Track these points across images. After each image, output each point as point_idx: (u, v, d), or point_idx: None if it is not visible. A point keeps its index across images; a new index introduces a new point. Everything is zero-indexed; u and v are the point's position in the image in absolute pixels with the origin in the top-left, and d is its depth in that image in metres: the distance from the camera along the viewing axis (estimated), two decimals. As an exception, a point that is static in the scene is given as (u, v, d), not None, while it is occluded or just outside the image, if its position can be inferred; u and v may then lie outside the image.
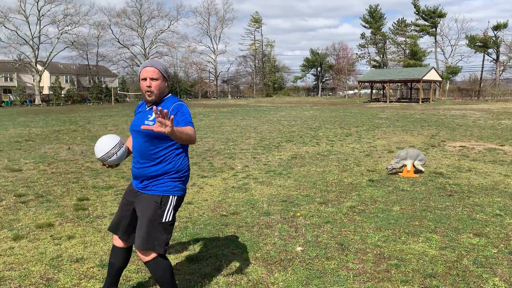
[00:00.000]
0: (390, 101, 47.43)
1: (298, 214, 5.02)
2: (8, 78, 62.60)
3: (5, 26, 49.43)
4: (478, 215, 4.91)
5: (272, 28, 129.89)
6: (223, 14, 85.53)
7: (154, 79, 2.67)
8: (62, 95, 52.13)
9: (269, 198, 5.77)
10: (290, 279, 3.32)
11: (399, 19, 77.49)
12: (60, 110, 34.25)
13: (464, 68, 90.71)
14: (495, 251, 3.85)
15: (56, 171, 7.64)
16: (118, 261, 2.93)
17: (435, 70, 50.07)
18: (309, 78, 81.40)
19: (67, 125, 17.92)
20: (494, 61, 61.88)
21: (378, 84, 54.07)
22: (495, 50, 60.77)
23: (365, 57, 73.97)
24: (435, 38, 65.98)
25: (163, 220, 2.66)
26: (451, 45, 68.32)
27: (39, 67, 53.02)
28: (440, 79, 50.48)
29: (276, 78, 77.33)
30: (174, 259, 3.72)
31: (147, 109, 2.78)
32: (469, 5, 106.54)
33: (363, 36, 72.65)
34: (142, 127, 2.37)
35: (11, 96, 50.59)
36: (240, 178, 7.07)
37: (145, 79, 2.67)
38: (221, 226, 4.57)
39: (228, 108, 32.72)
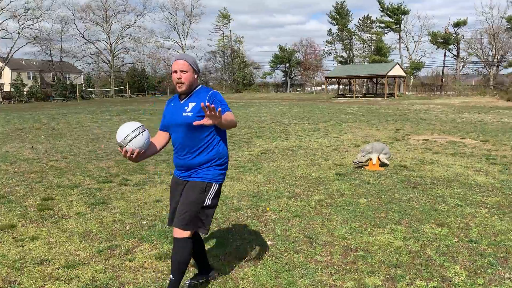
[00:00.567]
0: (356, 97, 48.33)
1: (268, 209, 5.06)
2: (-35, 75, 59.87)
3: (-40, 20, 47.18)
4: (440, 206, 5.09)
5: (240, 24, 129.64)
6: (191, 9, 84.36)
7: (184, 71, 2.81)
8: (25, 92, 50.23)
9: (239, 194, 5.78)
10: (259, 273, 3.36)
11: (364, 15, 79.02)
12: (22, 107, 33.04)
13: (427, 64, 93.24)
14: (456, 240, 4.01)
15: (19, 171, 7.39)
16: (193, 247, 2.99)
17: (400, 65, 51.32)
18: (278, 74, 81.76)
19: (30, 123, 17.32)
20: (455, 57, 64.05)
21: (345, 80, 54.94)
22: (455, 47, 62.88)
23: (332, 53, 74.94)
24: (399, 35, 67.62)
25: (204, 205, 2.85)
26: (414, 42, 70.29)
27: (-1, 63, 50.96)
28: (404, 74, 51.79)
29: (245, 74, 77.17)
30: (142, 258, 3.68)
31: (181, 102, 2.91)
32: (431, 3, 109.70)
33: (329, 32, 73.55)
34: (195, 123, 2.54)
35: (-32, 94, 48.39)
36: (209, 174, 7.04)
37: (175, 71, 2.83)
38: (190, 223, 4.55)
39: (196, 105, 32.42)
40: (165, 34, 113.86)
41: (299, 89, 78.04)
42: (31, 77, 59.23)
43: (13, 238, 4.14)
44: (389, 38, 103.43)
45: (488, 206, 5.06)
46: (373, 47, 69.11)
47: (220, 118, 2.47)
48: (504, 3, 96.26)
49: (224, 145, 2.96)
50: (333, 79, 55.39)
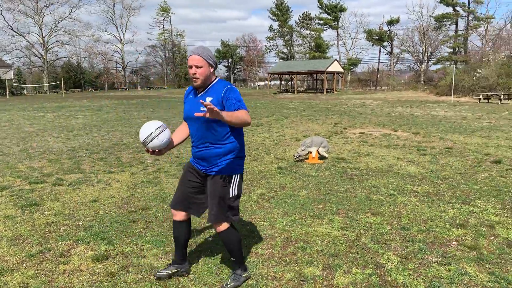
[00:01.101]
0: (298, 92, 49.33)
1: (209, 205, 5.03)
2: None
3: None
4: (375, 196, 5.33)
5: (181, 18, 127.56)
6: (130, 2, 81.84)
7: (199, 67, 2.86)
8: None
9: (180, 190, 5.70)
10: (201, 270, 3.34)
11: (304, 12, 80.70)
12: None
13: (363, 60, 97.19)
14: (389, 228, 4.22)
15: None
16: (182, 234, 3.20)
17: (338, 62, 53.01)
18: (220, 69, 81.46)
19: (-50, 121, 15.96)
20: (389, 54, 67.24)
21: (286, 75, 55.88)
22: (389, 44, 66.04)
23: (274, 49, 75.92)
24: (337, 32, 69.84)
25: (230, 196, 2.99)
26: (352, 38, 73.15)
27: None
28: (342, 70, 53.58)
29: (187, 68, 76.15)
30: (78, 260, 3.53)
31: (198, 95, 2.97)
32: (367, 1, 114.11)
33: (271, 28, 74.44)
34: (196, 114, 2.59)
35: None
36: (150, 172, 6.89)
37: (190, 66, 2.88)
38: (129, 223, 4.43)
39: (137, 100, 31.58)
40: (102, 27, 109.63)
41: (242, 85, 78.29)
42: (-49, 72, 54.57)
43: None
44: (328, 35, 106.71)
45: (418, 195, 5.37)
46: (312, 44, 70.81)
47: (219, 115, 2.49)
48: (432, 3, 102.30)
49: (241, 137, 3.07)
50: (275, 75, 56.13)
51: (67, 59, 68.19)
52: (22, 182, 6.16)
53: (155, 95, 42.81)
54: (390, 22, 63.81)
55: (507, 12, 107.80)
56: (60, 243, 3.90)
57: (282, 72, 52.81)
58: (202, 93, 2.96)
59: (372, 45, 67.22)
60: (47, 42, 63.35)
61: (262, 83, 72.91)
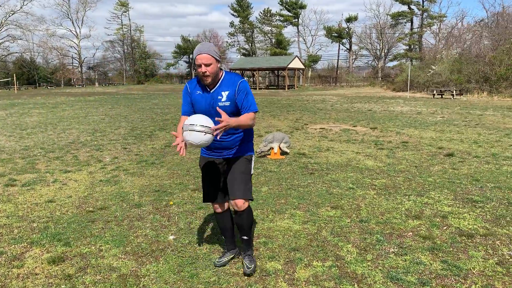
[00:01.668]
0: (259, 88, 49.51)
1: (171, 202, 4.98)
2: None
3: None
4: (334, 190, 5.45)
5: (140, 12, 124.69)
6: (85, -5, 79.05)
7: (208, 64, 2.92)
8: None
9: (140, 189, 5.60)
10: (162, 269, 3.29)
11: (265, 9, 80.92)
12: None
13: (323, 57, 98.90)
14: (349, 221, 4.32)
15: None
16: (228, 223, 3.37)
17: (298, 58, 53.57)
18: (181, 65, 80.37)
19: None
20: (348, 51, 68.65)
21: (248, 71, 55.91)
22: (348, 41, 67.38)
23: (235, 45, 75.69)
24: (298, 28, 70.53)
25: (251, 173, 3.24)
26: (312, 35, 74.29)
27: None
28: (303, 67, 54.20)
29: (147, 64, 74.62)
30: (32, 263, 3.40)
31: (211, 91, 3.04)
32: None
33: (232, 24, 74.12)
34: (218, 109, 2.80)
35: None
36: (109, 170, 6.72)
37: (200, 65, 2.93)
38: (87, 223, 4.30)
39: (95, 97, 30.66)
40: (57, 21, 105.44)
41: (203, 81, 77.52)
42: None
43: None
44: (289, 31, 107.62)
45: (376, 188, 5.54)
46: (273, 40, 71.15)
47: (230, 126, 2.78)
48: (389, 1, 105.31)
49: None
50: (237, 71, 56.02)
51: (20, 54, 65.25)
52: (-30, 184, 5.85)
53: (114, 92, 41.72)
54: (349, 20, 65.12)
55: (458, 11, 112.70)
56: (13, 246, 3.74)
57: (243, 68, 52.79)
58: (214, 88, 3.04)
59: (332, 42, 68.38)
60: (-3, 36, 60.34)
61: (223, 79, 72.38)
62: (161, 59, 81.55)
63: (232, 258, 3.43)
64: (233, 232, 3.45)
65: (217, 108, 2.87)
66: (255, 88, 48.71)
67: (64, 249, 3.66)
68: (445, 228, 4.09)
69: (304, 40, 73.68)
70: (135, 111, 18.04)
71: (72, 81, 69.23)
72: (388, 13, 63.75)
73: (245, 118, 2.96)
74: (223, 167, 3.24)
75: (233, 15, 73.54)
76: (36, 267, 3.33)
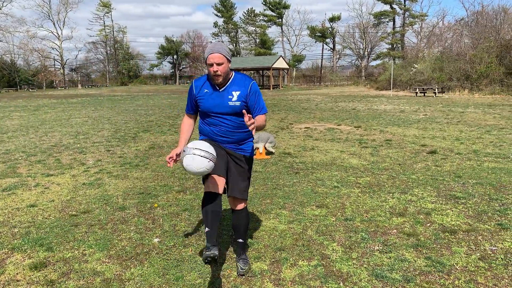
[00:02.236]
0: (244, 88, 49.43)
1: (156, 205, 4.93)
2: None
3: None
4: (320, 189, 5.47)
5: (123, 13, 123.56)
6: (66, -4, 77.96)
7: (220, 64, 2.94)
8: None
9: (124, 192, 5.54)
10: (146, 272, 3.26)
11: (248, 9, 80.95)
12: None
13: (307, 57, 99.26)
14: (334, 220, 4.34)
15: None
16: (218, 207, 2.97)
17: (283, 58, 53.75)
18: (165, 66, 79.86)
19: None
20: (331, 50, 69.10)
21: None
22: (331, 40, 67.83)
23: (219, 45, 75.40)
24: (282, 28, 70.75)
25: (251, 174, 3.32)
26: (296, 35, 74.46)
27: None
28: (287, 66, 54.39)
29: (131, 66, 73.93)
30: (13, 269, 3.32)
31: (221, 90, 3.05)
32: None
33: (216, 25, 73.96)
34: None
35: None
36: (92, 173, 6.63)
37: (211, 64, 2.93)
38: (70, 227, 4.24)
39: (78, 99, 30.26)
40: (37, 23, 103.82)
41: (188, 81, 77.24)
42: None
43: None
44: (273, 31, 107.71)
45: (360, 186, 5.57)
46: (258, 40, 71.22)
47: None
48: (371, 1, 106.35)
49: None
50: (221, 71, 55.78)
51: (0, 56, 64.01)
52: (-51, 189, 5.71)
53: (97, 93, 41.24)
54: (332, 19, 65.57)
55: (439, 10, 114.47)
56: (-7, 252, 3.66)
57: (235, 70, 52.71)
58: (225, 87, 3.06)
59: (315, 42, 68.79)
60: (-24, 38, 59.14)
61: (208, 80, 72.12)
62: (145, 60, 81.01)
63: (217, 253, 3.19)
64: (216, 223, 3.11)
65: (243, 111, 2.77)
66: (240, 88, 48.61)
67: (46, 254, 3.60)
68: (428, 224, 4.14)
69: (288, 40, 74.00)
70: (118, 112, 17.86)
71: (54, 83, 68.24)
72: (371, 12, 64.43)
73: (260, 120, 3.04)
74: (227, 154, 3.17)
75: (216, 15, 73.42)
76: (17, 274, 3.26)
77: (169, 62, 77.71)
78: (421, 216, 4.38)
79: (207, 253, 2.77)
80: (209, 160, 2.73)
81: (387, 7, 61.06)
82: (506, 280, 3.03)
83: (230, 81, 3.08)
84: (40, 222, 4.40)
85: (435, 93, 27.20)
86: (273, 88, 47.12)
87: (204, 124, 3.19)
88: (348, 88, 45.84)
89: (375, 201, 4.93)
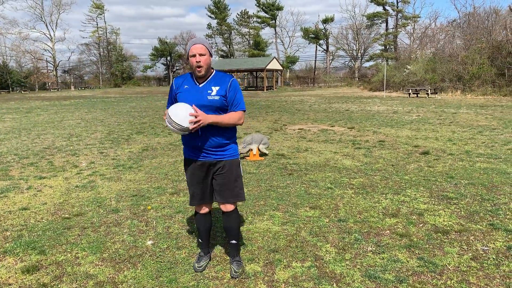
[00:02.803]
0: (238, 89, 49.38)
1: (149, 207, 4.92)
2: None
3: None
4: (313, 190, 5.48)
5: (116, 15, 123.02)
6: (59, -3, 77.51)
7: (203, 55, 2.98)
8: None
9: (117, 194, 5.52)
10: (140, 275, 3.25)
11: (242, 10, 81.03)
12: None
13: (301, 58, 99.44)
14: (327, 221, 4.36)
15: None
16: (208, 224, 3.39)
17: (276, 59, 53.77)
18: (159, 67, 79.63)
19: None
20: (325, 51, 69.30)
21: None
22: (325, 42, 68.01)
23: (213, 47, 75.46)
24: (275, 30, 70.82)
25: (241, 175, 3.26)
26: (289, 37, 74.68)
27: None
28: (281, 68, 54.42)
29: (124, 67, 73.63)
30: (6, 273, 3.30)
31: (200, 85, 3.07)
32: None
33: (209, 26, 73.91)
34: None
35: None
36: (85, 176, 6.60)
37: (194, 55, 2.97)
38: (63, 230, 4.21)
39: (71, 101, 30.09)
40: (30, 24, 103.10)
41: (181, 83, 76.99)
42: None
43: None
44: (266, 33, 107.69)
45: (354, 187, 5.60)
46: (251, 42, 71.24)
47: (208, 121, 2.92)
48: (364, 2, 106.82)
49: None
50: (215, 73, 55.70)
51: (-9, 58, 63.49)
52: None
53: (90, 95, 41.05)
54: (325, 21, 65.73)
55: (431, 12, 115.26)
56: (-15, 256, 3.63)
57: (222, 70, 52.64)
58: (204, 82, 3.07)
59: (309, 43, 68.96)
60: (-33, 39, 58.57)
61: (202, 81, 71.95)
62: (138, 61, 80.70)
63: (208, 262, 3.43)
64: (209, 235, 3.48)
65: (193, 106, 2.91)
66: (234, 90, 48.56)
67: (39, 257, 3.58)
68: (421, 225, 4.17)
69: (282, 41, 74.10)
70: (111, 114, 17.78)
71: (47, 85, 67.80)
72: (364, 14, 64.67)
73: (229, 116, 3.03)
74: (210, 169, 3.17)
75: (210, 17, 73.37)
76: (9, 277, 3.24)
77: (162, 63, 77.55)
78: (414, 216, 4.41)
79: (197, 266, 3.30)
80: (182, 131, 2.94)
81: (380, 9, 61.35)
82: (498, 280, 3.06)
83: (210, 77, 3.10)
84: (32, 225, 4.37)
85: (428, 94, 27.37)
86: (266, 90, 47.16)
87: None
88: (342, 89, 46.00)
89: (368, 202, 4.95)
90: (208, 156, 3.14)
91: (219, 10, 71.97)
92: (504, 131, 10.57)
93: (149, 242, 3.88)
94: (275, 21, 70.04)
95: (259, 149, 7.62)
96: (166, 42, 74.38)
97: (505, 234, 3.88)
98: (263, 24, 70.65)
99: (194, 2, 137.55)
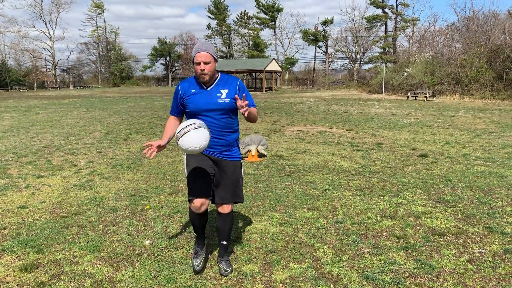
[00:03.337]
0: (237, 90, 49.41)
1: (147, 207, 4.93)
2: None
3: None
4: (311, 191, 5.50)
5: (115, 14, 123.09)
6: (58, -4, 77.44)
7: (207, 63, 3.01)
8: None
9: (116, 193, 5.53)
10: (138, 274, 3.26)
11: (242, 11, 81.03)
12: None
13: (300, 60, 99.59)
14: (325, 222, 4.37)
15: None
16: (204, 220, 3.32)
17: (276, 61, 53.84)
18: (158, 67, 79.60)
19: None
20: (324, 53, 69.39)
21: (225, 74, 55.79)
22: (324, 44, 68.12)
23: (213, 48, 75.39)
24: (275, 31, 70.95)
25: (243, 177, 3.34)
26: (288, 38, 74.76)
27: None
28: (280, 69, 54.50)
29: (123, 67, 73.61)
30: (3, 271, 3.31)
31: (208, 89, 3.11)
32: (302, 1, 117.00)
33: (209, 27, 73.96)
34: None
35: None
36: (83, 175, 6.60)
37: (199, 63, 3.00)
38: (61, 229, 4.22)
39: (69, 100, 30.07)
40: (29, 23, 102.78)
41: (180, 83, 76.96)
42: None
43: None
44: (266, 34, 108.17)
45: (352, 189, 5.61)
46: (251, 43, 71.31)
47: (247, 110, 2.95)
48: (364, 5, 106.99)
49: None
50: (214, 73, 55.71)
51: (-10, 56, 63.42)
52: None
53: (89, 94, 41.02)
54: (325, 23, 65.85)
55: (430, 15, 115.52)
56: (-17, 254, 3.63)
57: (221, 71, 52.45)
58: (212, 85, 3.12)
59: (308, 45, 69.00)
60: (-35, 37, 58.53)
61: (201, 82, 71.91)
62: (137, 61, 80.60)
63: (206, 256, 3.42)
64: (204, 228, 3.41)
65: (236, 95, 3.02)
66: (233, 91, 48.58)
67: (37, 256, 3.58)
68: (418, 227, 4.18)
69: (281, 42, 74.40)
70: (110, 114, 17.78)
71: (46, 84, 67.72)
72: (363, 16, 64.81)
73: (254, 110, 3.15)
74: (214, 165, 3.19)
75: (210, 17, 73.46)
76: (7, 275, 3.25)
77: (161, 63, 77.54)
78: (411, 219, 4.43)
79: (196, 266, 3.25)
80: (198, 128, 2.82)
81: (379, 11, 61.48)
82: (494, 283, 3.08)
83: (217, 80, 3.14)
84: (30, 224, 4.37)
85: (426, 97, 27.43)
86: (265, 91, 47.19)
87: None
88: (340, 91, 46.07)
89: (366, 204, 4.97)
90: (214, 154, 3.18)
91: (218, 11, 72.03)
92: (502, 135, 10.61)
93: (147, 242, 3.89)
94: (275, 23, 70.17)
95: (257, 150, 7.64)
96: (166, 42, 74.38)
97: (502, 237, 3.91)
98: (262, 26, 70.76)
99: (193, 2, 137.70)
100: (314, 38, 66.07)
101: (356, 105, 22.60)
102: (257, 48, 68.55)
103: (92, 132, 11.90)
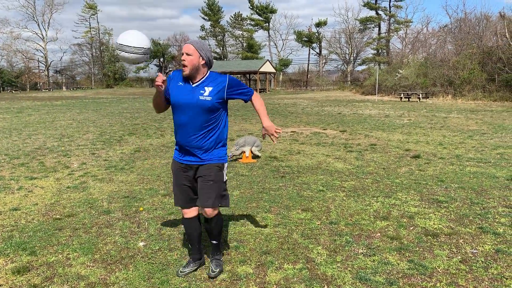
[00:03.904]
0: (231, 92, 49.41)
1: (141, 208, 4.91)
2: None
3: None
4: (305, 192, 5.51)
5: (108, 15, 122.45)
6: (51, -3, 77.03)
7: (189, 55, 2.95)
8: None
9: (109, 195, 5.50)
10: (131, 276, 3.25)
11: (236, 13, 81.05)
12: None
13: (294, 61, 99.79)
14: (319, 223, 4.38)
15: None
16: (195, 230, 3.30)
17: (270, 62, 53.93)
18: (152, 68, 79.35)
19: None
20: (318, 55, 69.59)
21: (219, 75, 55.74)
22: (318, 45, 68.34)
23: (206, 49, 75.30)
24: (269, 33, 71.03)
25: (225, 180, 3.19)
26: (282, 40, 74.76)
27: None
28: (274, 71, 54.59)
29: (116, 68, 73.33)
30: (-4, 274, 3.28)
31: (193, 85, 3.04)
32: (296, 3, 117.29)
33: (203, 28, 73.91)
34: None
35: None
36: (76, 176, 6.57)
37: (182, 54, 2.99)
38: (54, 231, 4.19)
39: (62, 101, 29.89)
40: (22, 24, 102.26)
41: (174, 85, 76.80)
42: None
43: None
44: (260, 35, 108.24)
45: (345, 190, 5.63)
46: (245, 44, 71.34)
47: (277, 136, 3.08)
48: (357, 6, 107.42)
49: (227, 127, 3.23)
50: (208, 75, 55.65)
51: (-19, 57, 62.97)
52: None
53: (82, 96, 40.81)
54: (318, 24, 66.06)
55: (423, 17, 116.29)
56: (-26, 257, 3.60)
57: (214, 72, 52.65)
58: (198, 83, 3.05)
59: (302, 47, 69.33)
60: (-43, 38, 57.96)
61: (195, 83, 71.81)
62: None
63: (195, 269, 3.33)
64: (200, 241, 3.37)
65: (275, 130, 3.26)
66: (227, 92, 48.57)
67: (29, 258, 3.56)
68: (411, 228, 4.21)
69: (275, 44, 74.32)
70: (104, 115, 17.70)
71: (39, 85, 67.28)
72: (357, 18, 65.13)
73: (261, 106, 3.23)
74: (195, 172, 3.15)
75: (204, 18, 73.38)
76: (0, 278, 3.22)
77: (155, 65, 77.30)
78: (405, 219, 4.45)
79: (180, 271, 3.25)
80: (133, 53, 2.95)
81: (372, 13, 61.78)
82: (486, 283, 3.10)
83: (204, 78, 3.07)
84: (23, 226, 4.34)
85: (419, 98, 27.60)
86: (259, 92, 47.25)
87: (176, 125, 3.17)
88: (334, 92, 46.20)
89: (360, 205, 4.99)
90: (193, 160, 3.12)
91: (212, 12, 71.99)
92: (494, 136, 10.70)
93: (141, 244, 3.87)
94: (269, 24, 70.27)
95: (251, 152, 7.64)
96: (159, 43, 74.21)
97: (494, 237, 3.94)
98: (256, 27, 70.82)
99: (187, 3, 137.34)
100: (308, 39, 66.25)
101: (349, 106, 22.69)
102: (251, 49, 68.58)
103: (85, 133, 11.84)
